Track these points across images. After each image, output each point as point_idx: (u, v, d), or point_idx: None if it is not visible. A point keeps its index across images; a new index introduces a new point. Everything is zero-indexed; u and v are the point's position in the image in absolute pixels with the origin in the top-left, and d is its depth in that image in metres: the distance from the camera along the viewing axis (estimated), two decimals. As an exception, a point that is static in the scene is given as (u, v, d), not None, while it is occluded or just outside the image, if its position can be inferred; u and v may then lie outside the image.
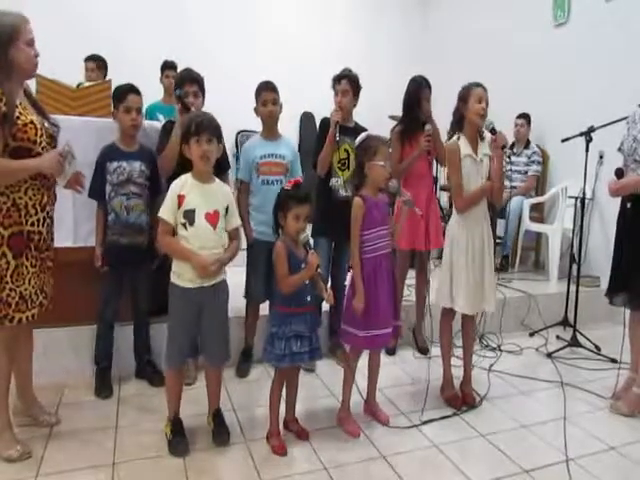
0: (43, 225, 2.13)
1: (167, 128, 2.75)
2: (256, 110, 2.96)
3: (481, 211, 2.62)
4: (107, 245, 2.65)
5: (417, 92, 3.16)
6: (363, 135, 2.44)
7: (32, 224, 2.07)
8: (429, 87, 3.19)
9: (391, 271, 2.42)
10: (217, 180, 2.23)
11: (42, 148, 2.06)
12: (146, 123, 3.02)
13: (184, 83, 2.77)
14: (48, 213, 2.16)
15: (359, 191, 2.38)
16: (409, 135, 3.19)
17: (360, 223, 2.33)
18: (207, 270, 2.10)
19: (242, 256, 2.92)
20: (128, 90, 2.64)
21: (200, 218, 2.11)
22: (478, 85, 2.59)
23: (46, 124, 2.12)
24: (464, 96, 2.58)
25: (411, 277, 3.45)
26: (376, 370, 2.56)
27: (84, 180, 2.32)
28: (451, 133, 2.67)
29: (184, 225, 2.11)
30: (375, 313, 2.32)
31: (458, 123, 2.62)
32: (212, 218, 2.14)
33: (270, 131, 2.99)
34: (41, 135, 2.05)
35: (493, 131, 2.57)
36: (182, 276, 2.14)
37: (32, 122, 2.02)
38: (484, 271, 2.60)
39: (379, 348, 2.54)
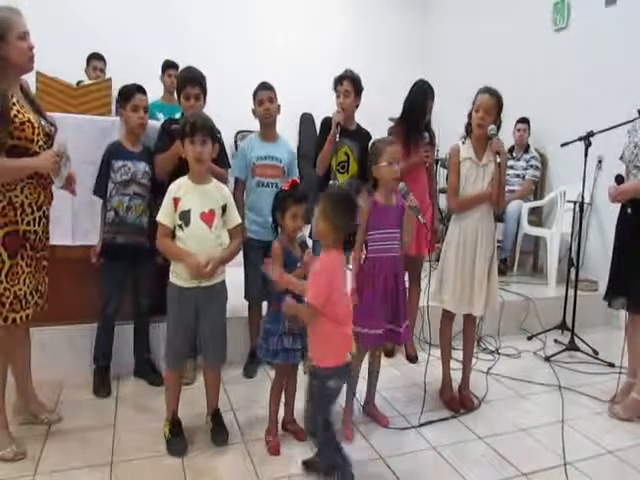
0: (39, 224, 2.10)
1: (165, 128, 2.74)
2: (254, 112, 2.95)
3: (477, 214, 2.58)
4: (104, 243, 2.65)
5: (423, 100, 3.12)
6: (372, 141, 2.45)
7: (28, 223, 2.05)
8: (433, 96, 3.16)
9: (394, 275, 2.38)
10: (214, 180, 2.23)
11: (39, 147, 2.03)
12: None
13: (186, 85, 2.74)
14: (44, 212, 2.14)
15: (372, 194, 2.38)
16: (407, 140, 3.13)
17: (364, 225, 2.32)
18: (200, 271, 2.08)
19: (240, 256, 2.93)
20: (136, 89, 2.68)
21: (195, 218, 2.12)
22: (485, 91, 2.54)
23: (43, 122, 2.09)
24: (473, 102, 2.57)
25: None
26: (376, 373, 2.56)
27: (76, 181, 2.27)
28: (463, 136, 2.66)
29: (180, 227, 2.12)
30: (368, 312, 2.31)
31: (467, 127, 2.61)
32: (207, 217, 2.15)
33: (268, 132, 2.98)
34: (38, 134, 2.03)
35: (490, 137, 2.54)
36: (179, 275, 2.15)
37: (29, 121, 1.99)
38: (474, 275, 2.58)
39: (368, 346, 2.45)
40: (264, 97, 2.89)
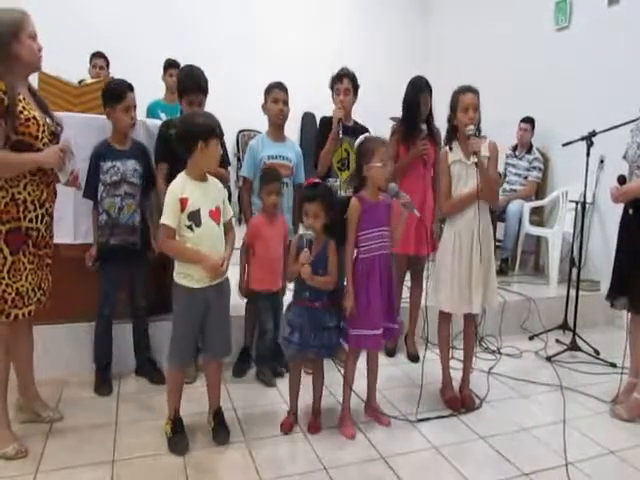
0: (42, 222, 2.12)
1: (163, 133, 2.71)
2: (264, 107, 2.94)
3: (472, 213, 2.57)
4: (98, 246, 2.63)
5: (416, 95, 3.11)
6: (362, 137, 2.44)
7: (30, 220, 2.06)
8: (429, 90, 3.14)
9: (387, 273, 2.41)
10: (209, 175, 2.23)
11: (43, 144, 2.05)
12: (148, 121, 3.02)
13: (189, 92, 2.70)
14: (47, 210, 2.15)
15: (358, 192, 2.39)
16: (406, 137, 3.15)
17: (355, 224, 2.34)
18: (218, 271, 2.11)
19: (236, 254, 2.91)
20: (126, 88, 2.59)
21: (206, 217, 2.11)
22: (466, 91, 2.55)
23: (48, 121, 2.11)
24: (453, 105, 2.57)
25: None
26: (374, 372, 2.56)
27: (79, 177, 2.27)
28: (446, 142, 2.66)
29: (190, 227, 2.09)
30: (365, 313, 2.33)
31: (451, 132, 2.62)
32: (215, 215, 2.15)
33: (277, 132, 2.98)
34: (43, 131, 2.05)
35: (468, 137, 2.50)
36: (190, 277, 2.13)
37: (35, 118, 2.02)
38: (471, 273, 2.58)
39: (368, 349, 2.49)
40: (280, 97, 2.89)
